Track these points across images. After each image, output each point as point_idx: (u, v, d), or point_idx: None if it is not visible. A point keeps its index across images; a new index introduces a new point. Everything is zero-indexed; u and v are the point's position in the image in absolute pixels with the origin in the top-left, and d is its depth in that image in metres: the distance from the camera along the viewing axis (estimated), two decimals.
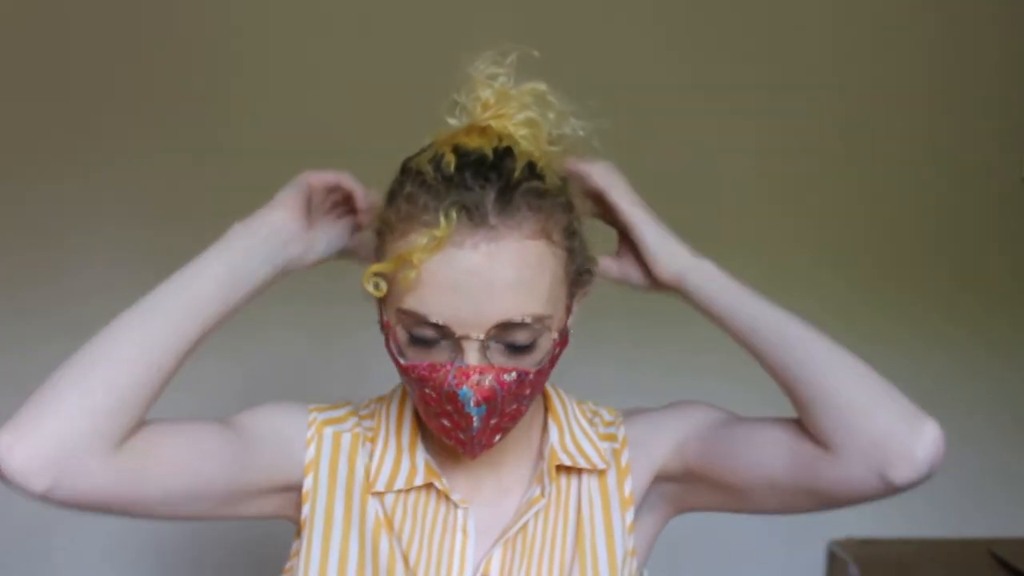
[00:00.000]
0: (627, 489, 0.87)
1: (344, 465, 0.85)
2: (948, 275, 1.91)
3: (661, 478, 0.88)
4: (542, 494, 0.83)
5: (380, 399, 0.92)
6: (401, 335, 0.76)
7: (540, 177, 0.75)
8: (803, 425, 0.79)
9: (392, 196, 0.77)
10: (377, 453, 0.85)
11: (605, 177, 0.85)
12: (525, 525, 0.83)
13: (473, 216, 0.71)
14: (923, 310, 1.90)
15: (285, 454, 0.84)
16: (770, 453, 0.80)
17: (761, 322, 0.80)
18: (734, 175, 1.85)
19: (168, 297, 0.76)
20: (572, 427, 0.88)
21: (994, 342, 1.91)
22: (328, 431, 0.86)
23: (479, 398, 0.73)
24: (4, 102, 1.72)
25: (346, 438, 0.86)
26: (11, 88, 1.72)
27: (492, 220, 0.72)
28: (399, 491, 0.83)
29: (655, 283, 0.86)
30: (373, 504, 0.83)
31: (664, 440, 0.87)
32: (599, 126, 0.81)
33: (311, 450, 0.84)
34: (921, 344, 1.89)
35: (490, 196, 0.72)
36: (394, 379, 0.88)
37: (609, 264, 0.88)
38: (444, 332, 0.73)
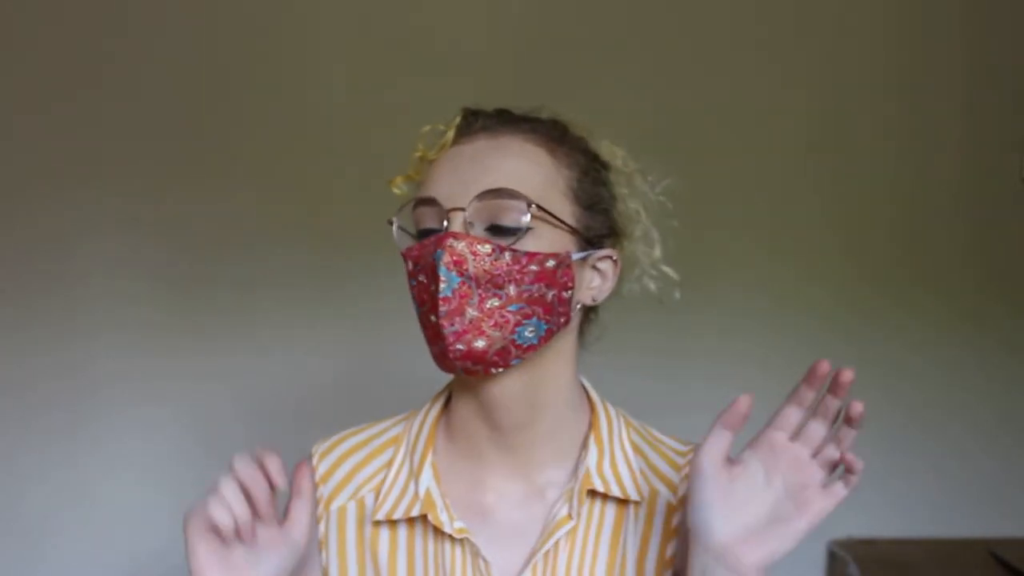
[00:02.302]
0: (669, 551, 0.82)
1: (352, 531, 0.84)
2: (950, 275, 1.91)
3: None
4: (570, 515, 0.81)
5: (411, 414, 0.90)
6: (414, 242, 0.80)
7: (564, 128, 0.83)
8: None
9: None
10: (388, 481, 0.84)
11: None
12: (551, 551, 0.80)
13: (476, 120, 0.81)
14: (926, 311, 1.90)
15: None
16: None
17: None
18: (735, 175, 1.86)
19: None
20: (614, 451, 0.84)
21: (997, 341, 1.91)
22: (333, 508, 0.85)
23: (449, 259, 0.73)
24: (21, 123, 1.74)
25: (350, 508, 0.85)
26: (24, 109, 1.74)
27: (494, 125, 0.80)
28: (406, 520, 0.82)
29: (724, 548, 0.71)
30: (394, 535, 0.83)
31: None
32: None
33: (321, 526, 0.85)
34: (925, 343, 1.90)
35: (496, 114, 0.81)
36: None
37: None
38: (438, 210, 0.77)
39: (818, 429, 0.72)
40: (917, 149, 1.91)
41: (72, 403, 1.73)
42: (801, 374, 0.72)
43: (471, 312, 0.74)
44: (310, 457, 0.88)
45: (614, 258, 0.83)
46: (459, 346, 0.74)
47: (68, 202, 1.73)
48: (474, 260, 0.74)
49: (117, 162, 1.75)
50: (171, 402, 1.75)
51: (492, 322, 0.75)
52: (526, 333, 0.76)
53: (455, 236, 0.74)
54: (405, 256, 0.78)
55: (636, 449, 0.86)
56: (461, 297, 0.74)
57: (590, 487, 0.81)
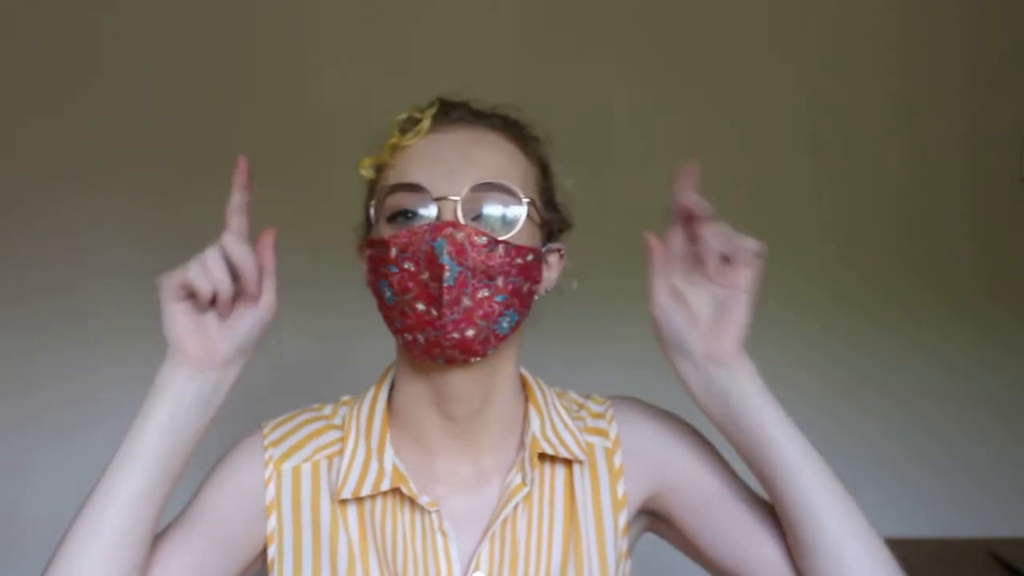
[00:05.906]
0: (620, 491, 0.86)
1: (308, 494, 0.83)
2: (950, 275, 1.91)
3: (649, 502, 0.88)
4: (524, 483, 0.82)
5: (350, 400, 0.91)
6: (384, 228, 0.79)
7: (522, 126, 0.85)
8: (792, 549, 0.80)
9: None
10: (345, 460, 0.83)
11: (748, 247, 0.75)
12: (510, 517, 0.82)
13: (453, 112, 0.82)
14: (926, 310, 1.90)
15: (255, 520, 0.83)
16: (754, 558, 0.82)
17: (783, 447, 0.77)
18: (735, 173, 1.86)
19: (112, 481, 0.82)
20: (552, 417, 0.87)
21: (998, 341, 1.91)
22: (286, 467, 0.84)
23: (451, 249, 0.74)
24: (22, 124, 1.74)
25: (306, 469, 0.84)
26: (24, 111, 1.74)
27: (470, 117, 0.82)
28: (370, 497, 0.82)
29: (705, 350, 0.78)
30: (346, 515, 0.82)
31: (664, 470, 0.86)
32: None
33: (270, 490, 0.83)
34: (926, 343, 1.90)
35: (469, 107, 0.84)
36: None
37: (664, 302, 0.78)
38: (423, 196, 0.77)
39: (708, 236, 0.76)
40: (917, 149, 1.91)
41: (74, 405, 1.73)
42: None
43: (466, 302, 0.76)
44: (260, 428, 0.88)
45: (562, 252, 0.87)
46: (454, 335, 0.76)
47: (69, 204, 1.74)
48: (472, 251, 0.75)
49: (119, 164, 1.75)
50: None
51: (481, 312, 0.77)
52: (504, 324, 0.79)
53: (456, 226, 0.75)
54: (389, 242, 0.77)
55: (568, 412, 0.89)
56: (460, 286, 0.75)
57: (539, 451, 0.83)
